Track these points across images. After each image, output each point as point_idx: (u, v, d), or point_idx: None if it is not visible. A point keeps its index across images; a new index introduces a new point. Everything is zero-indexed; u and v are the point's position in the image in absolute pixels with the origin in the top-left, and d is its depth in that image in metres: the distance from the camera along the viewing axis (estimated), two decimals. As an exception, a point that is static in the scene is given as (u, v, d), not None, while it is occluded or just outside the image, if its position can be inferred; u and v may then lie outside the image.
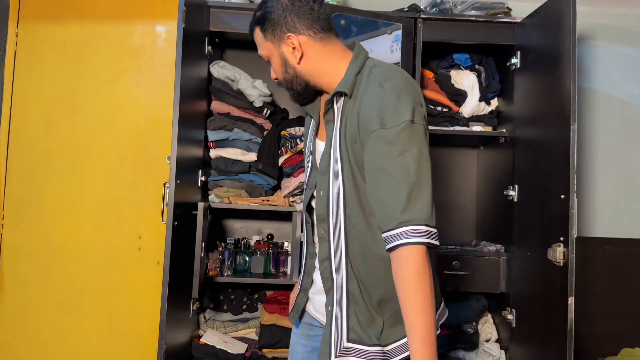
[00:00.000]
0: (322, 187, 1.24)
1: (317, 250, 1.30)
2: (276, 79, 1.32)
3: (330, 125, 1.24)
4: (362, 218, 1.19)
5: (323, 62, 1.25)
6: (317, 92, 1.31)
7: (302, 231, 1.45)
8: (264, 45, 1.28)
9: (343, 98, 1.22)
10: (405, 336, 1.15)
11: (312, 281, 1.36)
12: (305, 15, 1.23)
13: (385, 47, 2.36)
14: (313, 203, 1.32)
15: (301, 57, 1.25)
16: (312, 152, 1.34)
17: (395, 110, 1.11)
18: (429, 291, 1.06)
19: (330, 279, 1.22)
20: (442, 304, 1.34)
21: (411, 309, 1.05)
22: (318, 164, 1.29)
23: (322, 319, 1.32)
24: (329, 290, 1.23)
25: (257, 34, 1.29)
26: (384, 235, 1.11)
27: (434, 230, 1.09)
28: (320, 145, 1.30)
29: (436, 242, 1.09)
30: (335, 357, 1.17)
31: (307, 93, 1.30)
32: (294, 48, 1.24)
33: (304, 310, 1.42)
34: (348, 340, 1.17)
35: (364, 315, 1.18)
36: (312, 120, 1.37)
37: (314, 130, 1.35)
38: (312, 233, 1.35)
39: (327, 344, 1.19)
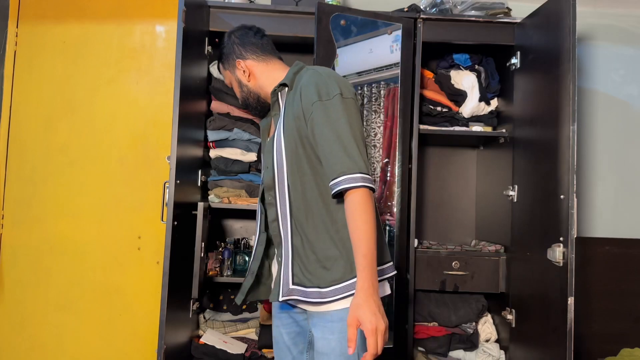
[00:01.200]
0: (268, 162, 1.48)
1: (266, 218, 1.51)
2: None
3: (277, 118, 1.52)
4: (305, 182, 1.42)
5: (267, 77, 1.59)
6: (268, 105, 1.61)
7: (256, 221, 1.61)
8: (225, 75, 1.66)
9: (286, 90, 1.50)
10: (342, 281, 1.37)
11: (263, 266, 1.56)
12: (248, 45, 1.61)
13: (385, 47, 2.36)
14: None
15: (249, 76, 1.60)
16: (264, 151, 1.54)
17: (327, 86, 1.39)
18: (371, 220, 1.29)
19: (279, 235, 1.45)
20: (391, 263, 1.53)
21: (356, 232, 1.29)
22: (266, 151, 1.52)
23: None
24: (278, 244, 1.46)
25: (220, 67, 1.67)
26: (330, 184, 1.34)
27: (368, 176, 1.33)
28: (268, 141, 1.52)
29: (371, 185, 1.32)
30: (282, 296, 1.40)
31: (261, 105, 1.63)
32: (244, 71, 1.60)
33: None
34: (292, 284, 1.41)
35: (304, 264, 1.41)
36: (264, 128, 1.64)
37: (265, 134, 1.61)
38: (264, 222, 1.54)
39: (277, 286, 1.43)
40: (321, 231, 1.40)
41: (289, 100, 1.47)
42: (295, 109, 1.41)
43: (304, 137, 1.40)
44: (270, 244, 1.55)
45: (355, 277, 1.34)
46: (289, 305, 1.53)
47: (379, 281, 1.40)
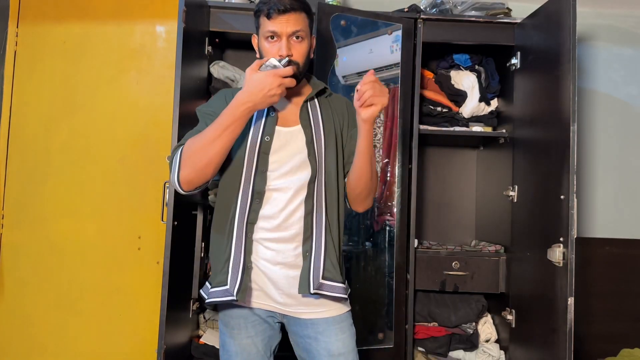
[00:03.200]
0: (310, 153, 1.48)
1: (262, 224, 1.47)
2: (288, 55, 1.43)
3: (304, 112, 1.51)
4: (339, 184, 1.52)
5: None
6: None
7: (248, 209, 1.47)
8: (304, 29, 1.47)
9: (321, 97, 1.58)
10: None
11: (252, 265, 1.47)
12: None
13: (385, 48, 2.37)
14: (272, 183, 1.47)
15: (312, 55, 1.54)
16: (269, 139, 1.47)
17: None
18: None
19: (310, 229, 1.47)
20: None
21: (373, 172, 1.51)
22: (288, 142, 1.49)
23: (270, 305, 1.48)
24: (307, 238, 1.47)
25: (303, 17, 1.47)
26: None
27: None
28: (286, 131, 1.49)
29: None
30: (313, 290, 1.43)
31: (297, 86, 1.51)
32: (312, 47, 1.52)
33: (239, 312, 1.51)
34: (323, 278, 1.45)
35: (334, 259, 1.48)
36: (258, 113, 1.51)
37: (270, 121, 1.49)
38: (257, 211, 1.46)
39: (306, 280, 1.44)
40: (341, 233, 1.54)
41: (331, 104, 1.57)
42: (342, 118, 1.57)
43: (340, 144, 1.54)
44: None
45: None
46: (264, 310, 1.50)
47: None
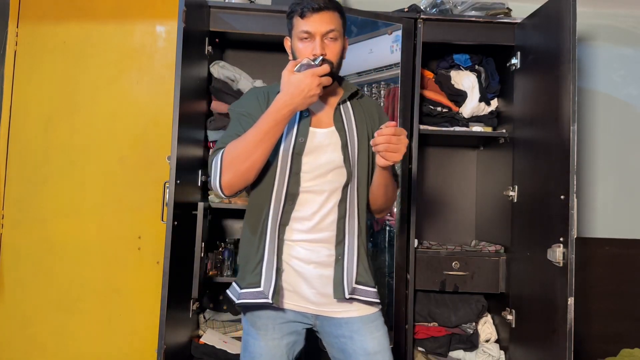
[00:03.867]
0: (345, 156, 1.48)
1: (298, 226, 1.46)
2: (322, 54, 1.41)
3: (338, 114, 1.50)
4: (368, 186, 1.53)
5: None
6: None
7: (281, 210, 1.45)
8: (338, 29, 1.45)
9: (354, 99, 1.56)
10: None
11: (284, 266, 1.46)
12: None
13: (385, 48, 2.37)
14: (306, 185, 1.46)
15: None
16: (303, 140, 1.46)
17: None
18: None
19: (343, 233, 1.48)
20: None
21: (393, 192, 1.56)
22: (323, 144, 1.47)
23: (304, 306, 1.47)
24: (340, 242, 1.47)
25: (337, 17, 1.45)
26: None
27: None
28: (321, 132, 1.48)
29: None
30: (348, 295, 1.43)
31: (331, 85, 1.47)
32: (344, 48, 1.50)
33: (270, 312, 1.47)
34: (356, 282, 1.46)
35: (365, 264, 1.50)
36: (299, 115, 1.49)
37: (305, 122, 1.47)
38: (290, 213, 1.46)
39: (340, 284, 1.45)
40: (367, 237, 1.55)
41: (363, 107, 1.56)
42: (371, 122, 1.55)
43: (370, 149, 1.49)
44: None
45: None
46: (295, 312, 1.48)
47: None
